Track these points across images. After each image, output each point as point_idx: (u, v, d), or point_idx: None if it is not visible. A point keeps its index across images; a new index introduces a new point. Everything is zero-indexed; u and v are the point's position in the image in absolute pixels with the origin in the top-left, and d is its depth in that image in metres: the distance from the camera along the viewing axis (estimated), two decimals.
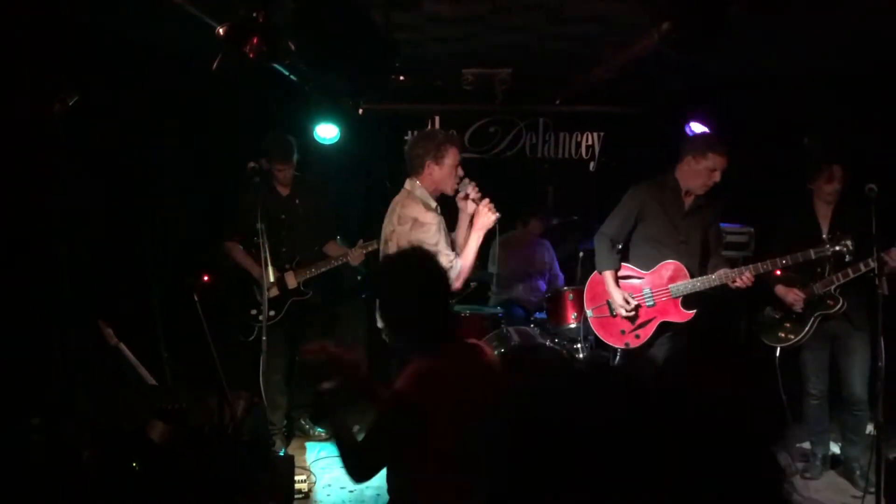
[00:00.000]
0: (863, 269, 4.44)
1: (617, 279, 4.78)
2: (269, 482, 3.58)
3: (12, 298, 3.90)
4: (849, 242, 4.32)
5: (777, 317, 4.87)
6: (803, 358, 4.91)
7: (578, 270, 6.50)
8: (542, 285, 6.52)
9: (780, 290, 4.77)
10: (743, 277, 4.46)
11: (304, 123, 6.26)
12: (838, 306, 4.63)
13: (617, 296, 4.70)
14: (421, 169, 4.17)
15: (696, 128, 6.08)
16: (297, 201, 5.31)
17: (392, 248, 4.00)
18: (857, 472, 4.79)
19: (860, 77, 5.58)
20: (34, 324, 4.05)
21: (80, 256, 4.60)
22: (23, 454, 3.36)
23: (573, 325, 5.66)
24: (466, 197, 4.20)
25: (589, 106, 6.76)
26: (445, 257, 3.87)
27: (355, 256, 5.29)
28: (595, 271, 4.95)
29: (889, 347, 4.18)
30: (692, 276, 4.62)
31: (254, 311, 5.12)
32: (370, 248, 5.23)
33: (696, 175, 4.55)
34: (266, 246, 4.82)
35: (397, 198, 4.26)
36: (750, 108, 5.96)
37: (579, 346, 5.88)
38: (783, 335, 4.84)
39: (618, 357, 5.03)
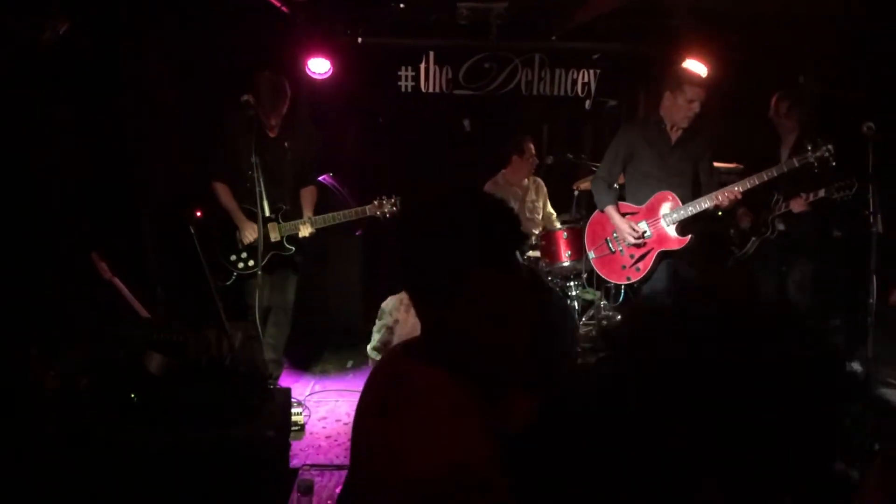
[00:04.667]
0: (783, 208, 4.98)
1: (619, 212, 4.97)
2: (265, 413, 3.61)
3: (6, 232, 3.87)
4: (830, 147, 4.43)
5: (731, 232, 5.33)
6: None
7: (573, 209, 6.49)
8: (536, 225, 6.49)
9: (739, 209, 5.15)
10: (731, 194, 4.63)
11: (296, 57, 6.14)
12: (768, 233, 5.08)
13: (623, 225, 4.90)
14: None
15: (693, 65, 6.00)
16: (285, 144, 4.95)
17: None
18: None
19: (858, 17, 5.51)
20: (30, 257, 4.03)
21: (72, 190, 4.56)
22: (21, 385, 3.38)
23: (566, 264, 5.69)
24: None
25: (586, 42, 6.66)
26: None
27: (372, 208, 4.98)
28: (592, 215, 5.20)
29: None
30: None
31: (233, 257, 4.90)
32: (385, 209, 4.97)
33: (677, 108, 4.73)
34: (261, 180, 4.61)
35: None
36: (747, 47, 5.89)
37: (572, 283, 5.93)
38: (733, 248, 5.36)
39: (622, 294, 5.23)
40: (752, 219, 5.18)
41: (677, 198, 4.80)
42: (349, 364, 5.84)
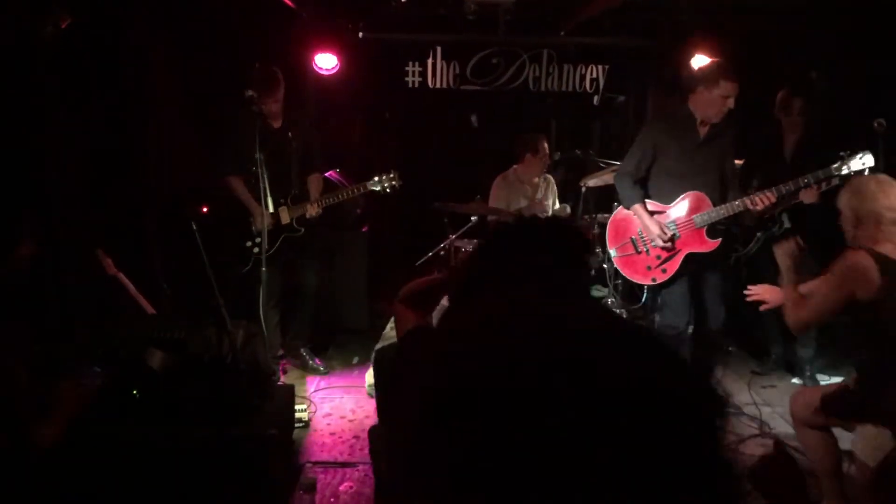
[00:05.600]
0: (791, 200, 4.79)
1: (647, 210, 4.75)
2: (268, 410, 3.60)
3: (9, 229, 3.87)
4: (868, 157, 4.27)
5: (732, 229, 5.16)
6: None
7: (580, 206, 6.45)
8: None
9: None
10: (765, 198, 4.43)
11: (303, 53, 6.13)
12: (774, 228, 4.98)
13: (653, 226, 4.67)
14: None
15: (702, 60, 5.95)
16: (289, 134, 5.17)
17: None
18: (807, 374, 5.25)
19: (866, 10, 5.45)
20: (33, 253, 4.03)
21: (75, 186, 4.56)
22: (24, 382, 3.38)
23: None
24: None
25: (594, 38, 6.61)
26: None
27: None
28: (615, 212, 4.99)
29: None
30: (714, 206, 4.62)
31: (249, 243, 5.11)
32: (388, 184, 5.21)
33: (711, 104, 4.53)
34: (265, 176, 4.75)
35: None
36: (756, 41, 5.83)
37: None
38: (737, 246, 5.30)
39: (644, 294, 5.10)
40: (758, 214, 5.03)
41: (708, 199, 4.61)
42: (354, 361, 5.82)
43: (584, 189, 6.39)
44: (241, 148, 4.94)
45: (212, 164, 5.22)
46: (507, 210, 6.10)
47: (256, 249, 5.05)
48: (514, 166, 6.20)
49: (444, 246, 5.87)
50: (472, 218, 5.93)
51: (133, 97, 5.07)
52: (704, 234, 4.65)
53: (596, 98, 6.86)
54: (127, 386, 3.37)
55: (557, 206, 6.48)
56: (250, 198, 5.06)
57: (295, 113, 5.24)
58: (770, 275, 5.25)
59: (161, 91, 5.40)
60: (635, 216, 4.76)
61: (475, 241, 5.96)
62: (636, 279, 4.96)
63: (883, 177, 3.23)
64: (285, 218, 5.15)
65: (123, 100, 4.99)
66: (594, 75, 6.81)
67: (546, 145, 6.12)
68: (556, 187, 6.44)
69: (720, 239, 4.67)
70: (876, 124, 4.13)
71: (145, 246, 5.12)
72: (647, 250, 4.79)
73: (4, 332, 2.70)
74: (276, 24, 5.82)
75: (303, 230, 5.20)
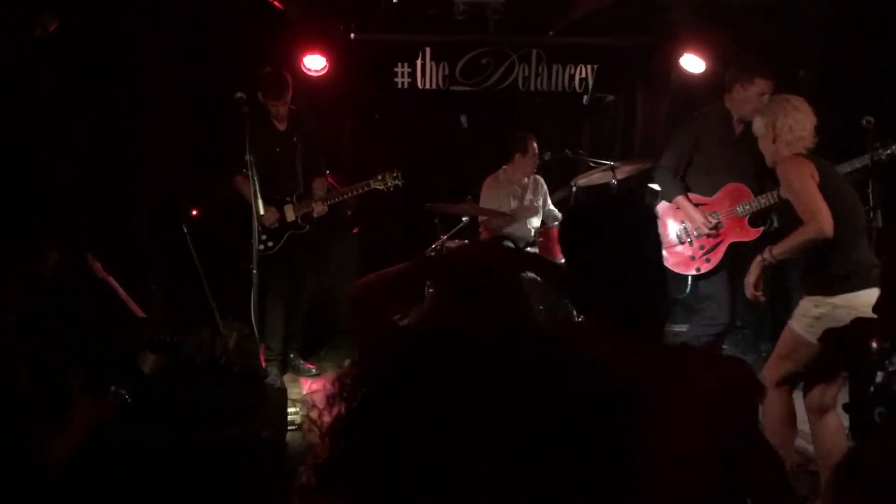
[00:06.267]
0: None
1: (690, 201, 4.82)
2: (261, 413, 3.58)
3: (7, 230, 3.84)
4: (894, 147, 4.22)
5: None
6: None
7: (571, 202, 6.44)
8: (536, 222, 6.44)
9: None
10: None
11: (292, 55, 6.11)
12: (766, 225, 4.85)
13: (696, 216, 4.76)
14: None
15: (691, 60, 5.97)
16: (294, 138, 5.32)
17: None
18: None
19: (856, 8, 5.48)
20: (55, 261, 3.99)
21: (66, 189, 4.53)
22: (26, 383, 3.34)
23: (562, 261, 5.63)
24: None
25: (583, 37, 6.62)
26: None
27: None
28: (657, 205, 5.04)
29: None
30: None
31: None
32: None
33: (748, 101, 4.60)
34: (256, 179, 4.78)
35: None
36: (746, 40, 5.85)
37: None
38: None
39: (689, 284, 5.14)
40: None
41: (748, 189, 4.67)
42: (347, 363, 5.79)
43: (574, 189, 6.39)
44: (246, 149, 5.00)
45: (217, 165, 5.30)
46: (498, 210, 6.10)
47: (262, 247, 5.13)
48: (504, 166, 6.21)
49: (435, 246, 5.86)
50: (464, 218, 5.93)
51: (123, 99, 5.05)
52: (746, 222, 4.70)
53: (585, 98, 6.87)
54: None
55: (550, 206, 6.48)
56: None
57: (298, 117, 5.39)
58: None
59: (150, 93, 5.38)
60: (678, 208, 4.85)
61: (465, 241, 5.96)
62: (680, 270, 5.00)
63: (791, 96, 3.74)
64: (290, 215, 5.29)
65: (114, 102, 4.97)
66: (583, 75, 6.81)
67: (535, 145, 6.12)
68: (546, 188, 6.44)
69: (762, 228, 4.70)
70: (864, 122, 4.14)
71: (136, 249, 5.10)
72: (691, 241, 4.85)
73: (7, 334, 2.67)
74: (265, 25, 5.80)
75: (307, 227, 5.33)
